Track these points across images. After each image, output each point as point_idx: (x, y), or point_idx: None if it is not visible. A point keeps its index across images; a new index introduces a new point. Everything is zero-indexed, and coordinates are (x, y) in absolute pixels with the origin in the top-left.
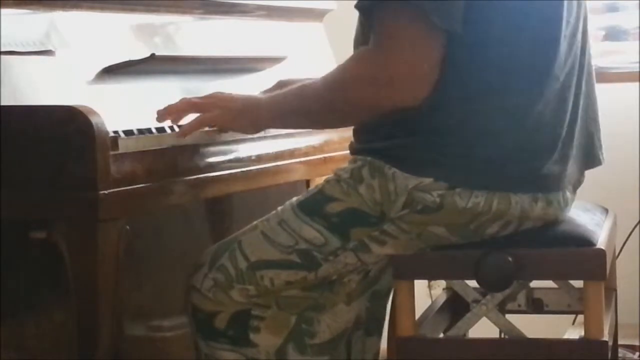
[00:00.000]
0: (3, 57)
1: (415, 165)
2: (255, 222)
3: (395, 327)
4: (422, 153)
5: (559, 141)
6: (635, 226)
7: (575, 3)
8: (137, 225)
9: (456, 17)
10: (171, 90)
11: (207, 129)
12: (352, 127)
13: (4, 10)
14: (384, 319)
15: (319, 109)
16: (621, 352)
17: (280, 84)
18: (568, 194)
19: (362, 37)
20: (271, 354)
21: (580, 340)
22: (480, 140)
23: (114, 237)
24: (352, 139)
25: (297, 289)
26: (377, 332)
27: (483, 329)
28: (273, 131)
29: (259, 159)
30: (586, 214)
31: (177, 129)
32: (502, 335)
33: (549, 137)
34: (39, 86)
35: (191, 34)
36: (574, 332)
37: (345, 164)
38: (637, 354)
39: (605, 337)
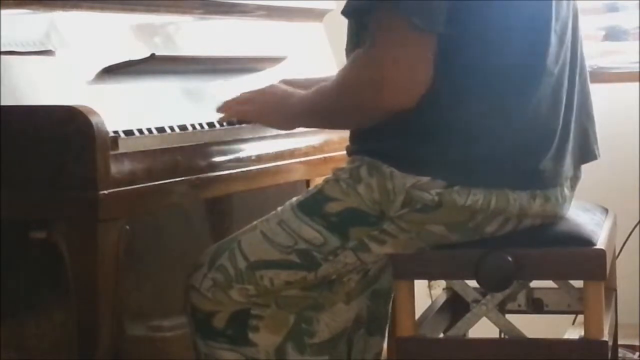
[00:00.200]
0: (3, 57)
1: (412, 164)
2: (255, 222)
3: (395, 327)
4: (419, 152)
5: (555, 136)
6: (635, 226)
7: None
8: (137, 225)
9: (438, 18)
10: (171, 90)
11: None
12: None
13: (4, 10)
14: (386, 319)
15: (331, 112)
16: (621, 352)
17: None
18: (566, 190)
19: (351, 44)
20: (270, 353)
21: (580, 340)
22: (477, 137)
23: (114, 237)
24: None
25: (296, 289)
26: (380, 332)
27: (483, 329)
28: (273, 131)
29: (259, 159)
30: (586, 213)
31: (177, 130)
32: (502, 335)
33: (545, 133)
34: (39, 86)
35: (191, 34)
36: (574, 332)
37: (344, 164)
38: (637, 354)
39: (605, 337)
